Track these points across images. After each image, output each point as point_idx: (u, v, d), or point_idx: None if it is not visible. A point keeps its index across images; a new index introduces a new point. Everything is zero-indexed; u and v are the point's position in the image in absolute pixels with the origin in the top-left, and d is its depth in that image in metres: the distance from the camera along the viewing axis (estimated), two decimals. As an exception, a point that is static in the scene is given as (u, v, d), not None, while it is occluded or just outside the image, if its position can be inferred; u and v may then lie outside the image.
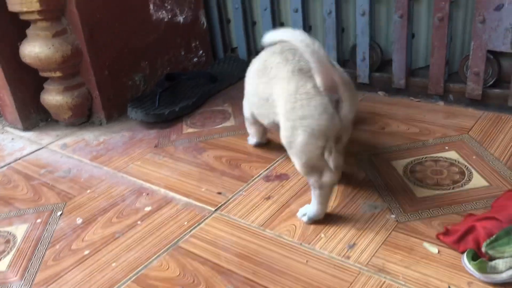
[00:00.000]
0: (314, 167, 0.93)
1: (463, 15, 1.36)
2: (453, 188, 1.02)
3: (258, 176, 1.16)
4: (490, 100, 1.34)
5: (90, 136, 1.47)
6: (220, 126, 1.43)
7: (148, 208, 1.09)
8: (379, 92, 1.54)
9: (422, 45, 1.47)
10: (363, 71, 1.53)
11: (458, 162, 1.11)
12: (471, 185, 1.03)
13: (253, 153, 1.26)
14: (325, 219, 0.97)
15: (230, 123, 1.44)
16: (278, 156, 1.22)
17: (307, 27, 1.63)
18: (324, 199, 0.96)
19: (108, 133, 1.47)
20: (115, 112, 1.55)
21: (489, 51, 1.29)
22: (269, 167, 1.19)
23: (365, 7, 1.44)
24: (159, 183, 1.18)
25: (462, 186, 1.03)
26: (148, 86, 1.63)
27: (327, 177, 0.93)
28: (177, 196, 1.12)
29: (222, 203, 1.07)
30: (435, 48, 1.37)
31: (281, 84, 0.93)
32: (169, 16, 1.66)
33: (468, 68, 1.34)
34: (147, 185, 1.18)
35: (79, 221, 1.07)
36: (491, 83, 1.33)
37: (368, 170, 1.12)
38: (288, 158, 1.21)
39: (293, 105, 0.89)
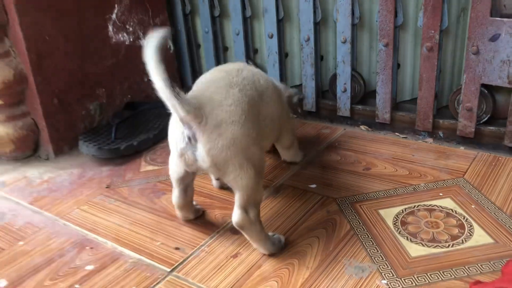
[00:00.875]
0: (172, 181, 0.94)
1: (452, 44, 1.24)
2: (452, 246, 0.87)
3: (224, 226, 0.98)
4: (484, 139, 1.21)
5: (33, 173, 1.27)
6: (184, 163, 1.26)
7: (89, 267, 0.90)
8: (362, 127, 1.40)
9: (408, 76, 1.35)
10: (344, 103, 1.39)
11: (456, 212, 0.96)
12: (472, 241, 0.87)
13: (219, 197, 1.09)
14: (304, 284, 0.81)
15: (195, 160, 1.27)
16: (249, 202, 1.06)
17: (283, 54, 1.49)
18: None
19: (54, 170, 1.28)
20: (65, 146, 1.36)
21: (483, 85, 1.16)
22: (237, 215, 1.01)
23: (346, 34, 1.31)
24: (107, 234, 0.99)
25: (462, 242, 0.87)
26: (105, 116, 1.45)
27: (174, 198, 0.96)
28: (127, 252, 0.93)
29: (180, 261, 0.89)
30: (423, 81, 1.24)
31: None
32: (131, 39, 1.49)
33: (459, 103, 1.21)
34: (92, 236, 0.99)
35: (2, 284, 0.87)
36: (485, 119, 1.21)
37: (352, 221, 0.96)
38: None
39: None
